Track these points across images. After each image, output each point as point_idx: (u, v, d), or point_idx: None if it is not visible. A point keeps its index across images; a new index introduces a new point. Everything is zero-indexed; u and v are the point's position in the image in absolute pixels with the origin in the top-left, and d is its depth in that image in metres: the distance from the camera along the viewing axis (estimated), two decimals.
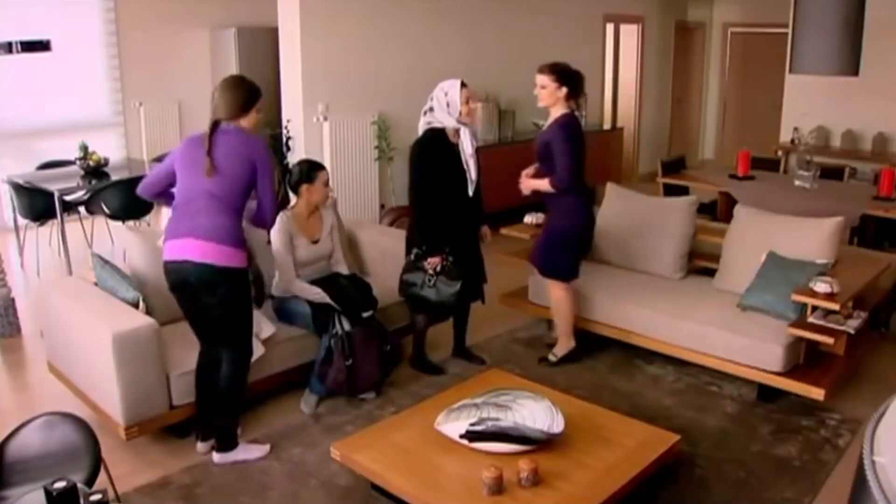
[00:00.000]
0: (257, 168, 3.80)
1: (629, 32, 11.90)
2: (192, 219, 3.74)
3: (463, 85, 4.77)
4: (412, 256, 4.85)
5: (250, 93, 3.88)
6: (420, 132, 4.86)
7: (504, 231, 5.77)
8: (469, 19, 8.99)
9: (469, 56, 8.92)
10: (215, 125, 3.79)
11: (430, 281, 4.74)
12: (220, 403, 4.03)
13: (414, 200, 4.85)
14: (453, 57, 8.74)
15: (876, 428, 1.56)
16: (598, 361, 5.34)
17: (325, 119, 7.68)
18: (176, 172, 3.85)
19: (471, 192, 4.91)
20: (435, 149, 4.79)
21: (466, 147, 4.83)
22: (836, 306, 4.42)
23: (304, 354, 4.62)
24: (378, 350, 4.54)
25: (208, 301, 3.82)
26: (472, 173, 4.88)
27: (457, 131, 4.82)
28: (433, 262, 4.74)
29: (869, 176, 8.04)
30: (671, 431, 3.88)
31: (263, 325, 4.42)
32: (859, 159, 9.14)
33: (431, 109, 4.79)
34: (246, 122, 3.87)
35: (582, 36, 10.84)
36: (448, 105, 4.75)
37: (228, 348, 3.96)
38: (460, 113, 4.75)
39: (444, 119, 4.77)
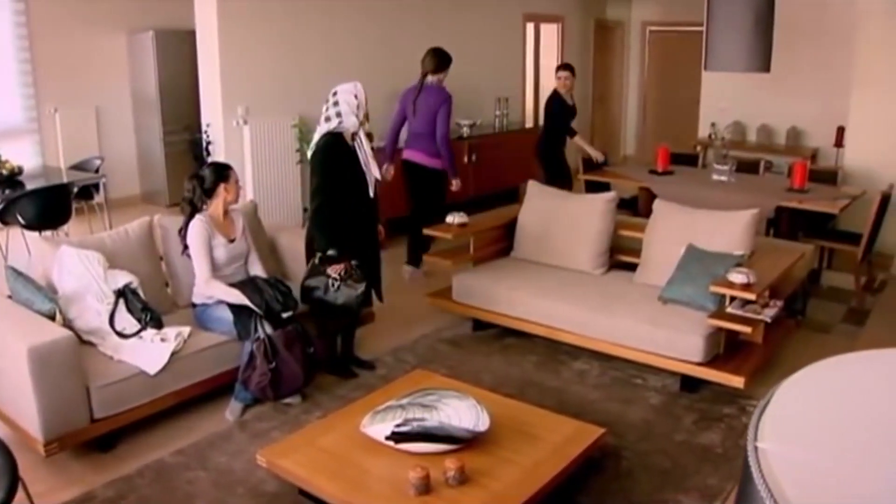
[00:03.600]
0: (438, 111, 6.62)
1: (549, 32, 12.03)
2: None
3: None
4: (316, 261, 4.80)
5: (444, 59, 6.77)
6: (317, 138, 4.82)
7: (426, 231, 5.79)
8: (389, 20, 8.98)
9: (389, 56, 8.90)
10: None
11: (333, 285, 4.72)
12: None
13: (318, 206, 4.76)
14: (373, 57, 8.72)
15: (761, 415, 1.60)
16: (524, 359, 5.38)
17: (245, 122, 7.59)
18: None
19: (372, 193, 4.91)
20: (337, 153, 4.78)
21: (366, 147, 4.86)
22: (752, 296, 4.53)
23: (227, 361, 4.56)
24: (301, 352, 4.49)
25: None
26: (375, 171, 4.90)
27: (354, 134, 4.83)
28: (337, 268, 4.72)
29: (783, 169, 8.25)
30: (597, 425, 3.94)
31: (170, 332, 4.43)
32: (774, 153, 9.39)
33: (339, 115, 4.75)
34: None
35: (502, 36, 10.93)
36: (358, 107, 4.77)
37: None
38: (365, 114, 4.81)
39: (351, 122, 4.77)
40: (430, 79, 6.79)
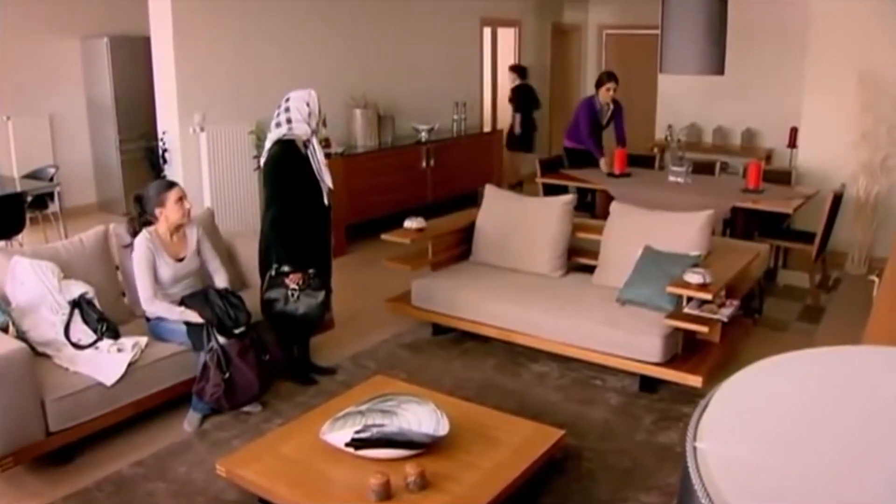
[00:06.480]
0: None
1: (506, 36, 12.06)
2: None
3: None
4: (272, 272, 4.74)
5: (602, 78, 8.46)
6: (269, 145, 4.79)
7: (385, 237, 5.79)
8: (346, 25, 8.95)
9: (347, 62, 8.89)
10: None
11: (293, 295, 4.70)
12: None
13: (274, 217, 4.72)
14: (331, 63, 8.70)
15: (701, 416, 1.61)
16: (483, 362, 5.39)
17: (202, 130, 7.52)
18: None
19: (326, 201, 4.91)
20: (292, 161, 4.76)
21: (320, 155, 4.84)
22: (708, 296, 4.58)
23: (185, 371, 4.51)
24: (256, 360, 4.44)
25: None
26: (328, 180, 4.89)
27: (306, 141, 4.80)
28: (295, 279, 4.69)
29: (739, 169, 8.35)
30: (557, 426, 3.96)
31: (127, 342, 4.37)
32: (730, 154, 9.51)
33: (289, 121, 4.72)
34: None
35: (460, 40, 10.95)
36: (310, 115, 4.74)
37: None
38: (318, 122, 4.80)
39: (302, 129, 4.74)
40: (595, 93, 8.57)
